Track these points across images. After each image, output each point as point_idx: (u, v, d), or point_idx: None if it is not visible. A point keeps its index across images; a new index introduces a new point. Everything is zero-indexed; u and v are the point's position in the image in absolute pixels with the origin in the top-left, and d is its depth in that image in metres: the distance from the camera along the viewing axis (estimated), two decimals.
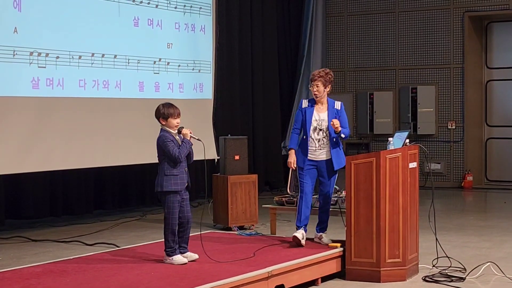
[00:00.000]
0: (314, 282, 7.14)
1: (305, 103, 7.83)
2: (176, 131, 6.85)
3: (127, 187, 12.34)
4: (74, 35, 9.93)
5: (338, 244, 7.57)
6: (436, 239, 7.75)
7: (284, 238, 8.22)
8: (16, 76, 9.25)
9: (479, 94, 16.11)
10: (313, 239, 7.89)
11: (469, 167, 15.68)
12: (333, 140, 7.69)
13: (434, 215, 7.78)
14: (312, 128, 7.70)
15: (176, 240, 6.84)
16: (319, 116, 7.73)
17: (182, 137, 6.85)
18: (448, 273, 7.38)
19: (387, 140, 7.62)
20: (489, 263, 7.56)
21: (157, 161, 6.93)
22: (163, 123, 6.85)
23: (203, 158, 7.23)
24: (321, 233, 7.86)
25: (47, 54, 9.59)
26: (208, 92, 12.19)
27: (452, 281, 7.13)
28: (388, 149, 7.41)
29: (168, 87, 11.38)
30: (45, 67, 9.58)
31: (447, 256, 7.72)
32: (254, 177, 10.42)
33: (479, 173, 16.02)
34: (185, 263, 6.78)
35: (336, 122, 7.52)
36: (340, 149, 7.79)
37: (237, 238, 8.38)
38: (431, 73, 16.00)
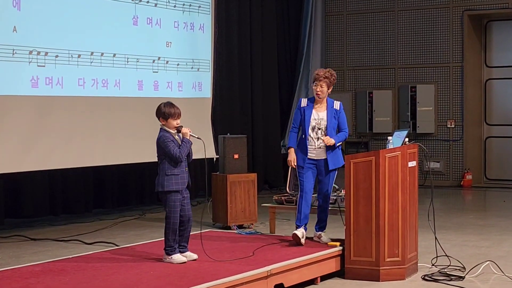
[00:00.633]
0: (313, 281, 7.14)
1: (304, 102, 7.84)
2: (176, 130, 6.85)
3: (126, 186, 12.34)
4: (73, 34, 9.93)
5: (337, 243, 7.57)
6: (436, 238, 7.75)
7: (283, 237, 8.22)
8: (15, 75, 9.25)
9: (479, 93, 16.11)
10: (312, 238, 7.89)
11: (468, 165, 15.68)
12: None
13: (434, 214, 7.78)
14: (311, 127, 7.71)
15: (177, 239, 6.84)
16: (318, 115, 7.73)
17: (182, 136, 6.84)
18: (448, 272, 7.38)
19: (386, 139, 7.61)
20: (488, 262, 7.56)
21: (156, 160, 6.93)
22: (163, 122, 6.85)
23: (202, 157, 7.22)
24: (320, 232, 7.86)
25: (46, 53, 9.58)
26: (207, 91, 12.18)
27: (451, 280, 7.13)
28: (387, 148, 7.41)
29: (167, 86, 11.38)
30: (44, 66, 9.58)
31: (446, 255, 7.72)
32: (254, 176, 10.41)
33: (479, 171, 16.02)
34: (184, 262, 6.78)
35: (327, 140, 7.56)
36: (338, 149, 7.80)
37: (236, 237, 8.38)
38: (430, 72, 16.00)
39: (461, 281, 7.09)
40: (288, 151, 7.88)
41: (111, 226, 10.51)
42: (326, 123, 7.69)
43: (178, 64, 11.55)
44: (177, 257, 6.80)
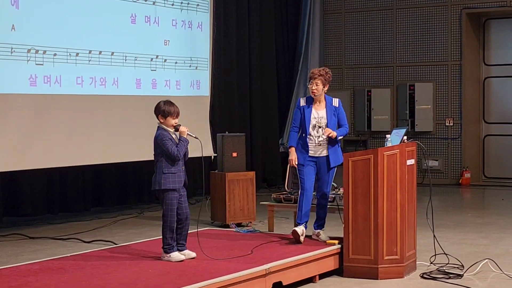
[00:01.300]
0: (312, 279, 7.14)
1: (302, 102, 7.85)
2: (173, 129, 6.84)
3: (124, 185, 12.33)
4: (72, 33, 9.92)
5: (336, 241, 7.57)
6: (434, 236, 7.74)
7: (282, 235, 8.21)
8: (13, 74, 9.24)
9: (477, 91, 16.12)
10: (311, 236, 7.89)
11: (466, 164, 15.69)
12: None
13: (432, 212, 7.78)
14: (311, 126, 7.72)
15: (174, 237, 6.84)
16: (318, 113, 7.74)
17: (179, 135, 6.84)
18: (446, 270, 7.37)
19: (385, 137, 7.61)
20: (486, 260, 7.56)
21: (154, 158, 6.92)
22: (161, 120, 6.84)
23: (200, 156, 7.22)
24: (318, 230, 7.86)
25: (44, 52, 9.58)
26: (205, 89, 12.18)
27: (449, 278, 7.13)
28: (385, 146, 7.41)
29: (165, 84, 11.37)
30: (42, 65, 9.57)
31: (444, 253, 7.72)
32: (252, 174, 10.42)
33: (477, 170, 16.04)
34: (182, 260, 6.77)
35: (328, 131, 7.57)
36: (338, 146, 7.82)
37: (234, 235, 8.37)
38: (428, 70, 16.00)
39: (460, 279, 7.09)
40: (289, 150, 7.88)
41: (109, 225, 10.51)
42: (326, 121, 7.71)
43: (176, 63, 11.55)
44: (175, 255, 6.80)
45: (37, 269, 6.56)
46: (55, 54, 9.71)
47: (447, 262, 7.60)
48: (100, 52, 10.32)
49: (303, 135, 7.76)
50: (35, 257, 7.93)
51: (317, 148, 7.73)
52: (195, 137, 6.91)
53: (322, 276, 7.27)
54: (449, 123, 15.84)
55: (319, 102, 7.79)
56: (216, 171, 10.40)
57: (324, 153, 7.73)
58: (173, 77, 11.51)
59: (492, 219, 11.07)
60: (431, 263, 7.65)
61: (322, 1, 16.82)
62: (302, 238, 7.64)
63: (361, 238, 7.25)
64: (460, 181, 15.59)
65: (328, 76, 7.78)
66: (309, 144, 7.72)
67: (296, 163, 7.78)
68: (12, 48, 9.18)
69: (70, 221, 10.78)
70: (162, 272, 6.38)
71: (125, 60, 10.70)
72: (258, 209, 10.34)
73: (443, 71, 15.86)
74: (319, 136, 7.72)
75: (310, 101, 7.81)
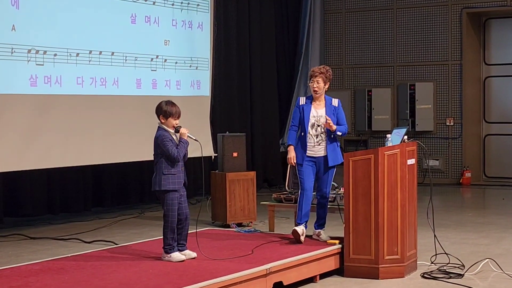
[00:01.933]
0: (312, 279, 7.14)
1: (302, 100, 7.85)
2: (174, 130, 6.83)
3: (125, 185, 12.33)
4: (72, 33, 9.92)
5: (337, 241, 7.56)
6: (435, 235, 7.74)
7: (282, 235, 8.21)
8: (14, 74, 9.24)
9: (477, 90, 16.12)
10: (311, 236, 7.88)
11: (467, 163, 15.69)
12: (331, 136, 7.71)
13: (433, 211, 7.78)
14: (310, 124, 7.72)
15: (175, 237, 6.84)
16: (317, 112, 7.74)
17: (179, 137, 6.83)
18: (447, 270, 7.37)
19: (385, 137, 7.61)
20: (487, 259, 7.56)
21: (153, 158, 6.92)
22: (162, 121, 6.82)
23: (200, 156, 7.21)
24: (319, 230, 7.86)
25: (45, 52, 9.58)
26: (205, 89, 12.18)
27: (450, 277, 7.13)
28: (386, 146, 7.40)
29: (165, 84, 11.37)
30: (43, 65, 9.57)
31: (445, 253, 7.71)
32: (253, 174, 10.41)
33: (478, 169, 16.03)
34: (183, 260, 6.77)
35: (329, 120, 7.56)
36: (337, 146, 7.81)
37: (235, 235, 8.37)
38: (429, 69, 16.00)
39: (460, 279, 7.09)
40: (288, 149, 7.88)
41: (110, 225, 10.50)
42: (325, 120, 7.69)
43: (176, 63, 11.55)
44: (176, 256, 6.80)
45: (37, 269, 6.56)
46: (55, 54, 9.71)
47: (447, 262, 7.60)
48: (100, 52, 10.32)
49: (302, 134, 7.76)
50: (35, 257, 7.93)
51: (316, 148, 7.72)
52: (195, 140, 6.90)
53: (323, 276, 7.27)
54: (450, 123, 15.84)
55: (319, 101, 7.79)
56: (217, 171, 10.40)
57: (323, 153, 7.72)
58: (173, 77, 11.51)
59: (492, 218, 11.07)
60: (432, 262, 7.65)
61: (323, 1, 16.82)
62: (302, 238, 7.64)
63: (361, 238, 7.25)
64: (460, 181, 15.59)
65: (329, 74, 7.79)
66: (308, 143, 7.72)
67: (295, 161, 7.78)
68: (12, 49, 9.18)
69: (71, 221, 10.78)
70: (162, 272, 6.38)
71: (125, 60, 10.70)
72: (258, 209, 10.34)
73: (443, 70, 15.86)
74: (317, 135, 7.71)
75: (310, 100, 7.81)
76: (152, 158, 6.93)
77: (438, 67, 15.91)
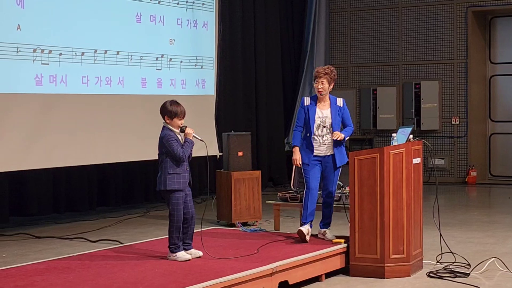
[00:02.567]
0: (318, 278, 7.13)
1: (307, 101, 7.84)
2: (179, 130, 6.83)
3: (130, 184, 12.33)
4: (77, 32, 9.93)
5: (342, 240, 7.55)
6: (440, 234, 7.73)
7: (288, 234, 8.20)
8: (19, 73, 9.25)
9: (483, 89, 16.09)
10: (317, 235, 7.88)
11: (473, 162, 15.66)
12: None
13: (438, 210, 7.77)
14: (315, 125, 7.71)
15: (180, 236, 6.84)
16: (322, 113, 7.74)
17: (184, 136, 6.82)
18: (452, 269, 7.36)
19: (391, 136, 7.60)
20: (493, 258, 7.55)
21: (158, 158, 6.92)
22: (168, 121, 6.81)
23: (205, 155, 7.21)
24: (324, 229, 7.85)
25: (50, 51, 9.59)
26: (210, 88, 12.18)
27: (456, 276, 7.12)
28: (391, 145, 7.39)
29: (171, 83, 11.37)
30: (48, 64, 9.58)
31: (451, 252, 7.70)
32: (258, 173, 10.41)
33: (483, 168, 16.00)
34: (189, 260, 6.77)
35: (337, 135, 7.57)
36: (343, 146, 7.81)
37: (240, 235, 8.37)
38: (434, 68, 15.98)
39: (466, 278, 7.08)
40: (293, 149, 7.87)
41: (115, 224, 10.51)
42: (330, 120, 7.70)
43: (181, 62, 11.55)
44: (182, 255, 6.80)
45: (43, 268, 6.57)
46: (60, 54, 9.72)
47: (453, 261, 7.59)
48: (105, 52, 10.32)
49: (308, 134, 7.76)
50: (41, 256, 7.94)
51: (322, 147, 7.72)
52: (200, 140, 6.89)
53: (328, 275, 7.27)
54: (455, 122, 15.81)
55: (324, 102, 7.79)
56: (222, 170, 10.40)
57: (329, 152, 7.73)
58: (178, 76, 11.51)
59: (498, 217, 11.05)
60: (438, 261, 7.64)
61: (328, 0, 16.80)
62: (308, 237, 7.64)
63: (367, 237, 7.24)
64: (466, 180, 15.56)
65: (334, 75, 7.78)
66: (313, 143, 7.71)
67: (300, 163, 7.77)
68: (18, 48, 9.18)
69: (76, 221, 10.79)
70: (168, 271, 6.38)
71: (131, 59, 10.70)
72: (264, 208, 10.34)
73: (449, 69, 15.83)
74: (323, 136, 7.71)
75: (315, 100, 7.81)
76: (157, 157, 6.93)
77: (443, 65, 15.88)
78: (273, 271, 6.51)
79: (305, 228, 7.65)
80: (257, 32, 14.92)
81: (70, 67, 9.85)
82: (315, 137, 7.72)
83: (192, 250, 6.92)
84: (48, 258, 7.34)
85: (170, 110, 6.79)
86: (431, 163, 14.57)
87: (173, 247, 6.81)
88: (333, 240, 7.64)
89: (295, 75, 16.31)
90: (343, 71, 16.54)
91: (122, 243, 8.44)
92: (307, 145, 7.75)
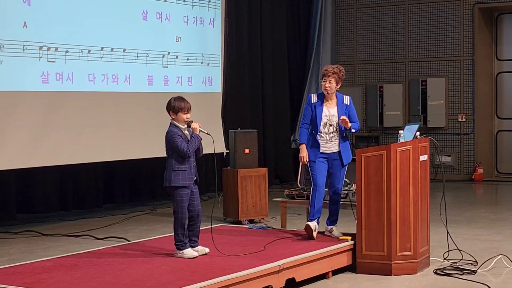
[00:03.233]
0: (325, 276, 7.13)
1: (314, 98, 7.84)
2: (185, 125, 6.83)
3: (137, 181, 12.34)
4: (83, 29, 9.94)
5: (349, 237, 7.55)
6: (447, 232, 7.72)
7: (294, 232, 8.21)
8: (25, 71, 9.26)
9: (490, 86, 16.05)
10: (323, 232, 7.87)
11: (479, 159, 15.63)
12: (343, 134, 7.72)
13: (445, 208, 7.76)
14: (322, 123, 7.71)
15: (186, 233, 6.83)
16: (329, 111, 7.73)
17: (191, 131, 6.82)
18: (460, 266, 7.35)
19: (397, 133, 7.59)
20: (500, 255, 7.54)
21: (166, 155, 6.92)
22: (173, 116, 6.83)
23: (212, 152, 7.22)
24: (331, 226, 7.85)
25: (56, 49, 9.60)
26: (217, 86, 12.18)
27: (463, 274, 7.11)
28: (398, 142, 7.38)
29: (177, 81, 11.37)
30: (54, 62, 9.59)
31: (458, 249, 7.69)
32: (264, 170, 10.41)
33: (490, 165, 15.97)
34: (195, 257, 6.77)
35: (345, 119, 7.56)
36: (348, 143, 7.83)
37: (247, 232, 8.37)
38: (441, 65, 15.94)
39: (473, 275, 7.06)
40: (300, 147, 7.87)
41: (122, 221, 10.52)
42: (337, 119, 7.70)
43: (188, 59, 11.55)
44: (189, 252, 6.80)
45: (50, 266, 6.58)
46: (67, 51, 9.73)
47: (460, 258, 7.58)
48: (112, 49, 10.33)
49: (313, 132, 7.75)
50: (48, 254, 7.95)
51: (328, 144, 7.72)
52: (207, 133, 6.90)
53: (335, 272, 7.26)
54: (462, 119, 15.78)
55: (331, 100, 7.79)
56: (229, 167, 10.40)
57: (336, 149, 7.73)
58: (184, 73, 11.52)
59: (505, 215, 11.03)
60: (445, 259, 7.63)
61: None
62: (314, 234, 7.63)
63: (374, 234, 7.23)
64: (473, 177, 15.54)
65: (342, 74, 7.78)
66: (320, 141, 7.71)
67: (307, 160, 7.77)
68: (24, 45, 9.20)
69: (83, 218, 10.80)
70: (175, 268, 6.38)
71: (137, 56, 10.71)
72: (270, 205, 10.34)
73: (455, 66, 15.80)
74: (329, 134, 7.71)
75: (322, 98, 7.80)
76: (164, 155, 6.94)
77: (450, 62, 15.85)
78: (280, 268, 6.51)
79: (312, 225, 7.65)
80: (263, 30, 14.91)
81: (77, 64, 9.86)
82: (322, 135, 7.72)
83: (199, 247, 6.92)
84: (55, 255, 7.35)
85: (173, 105, 6.80)
86: (437, 160, 14.54)
87: (179, 244, 6.81)
88: (340, 237, 7.64)
89: (301, 73, 16.29)
90: (349, 68, 16.51)
91: (129, 241, 8.45)
92: (314, 142, 7.75)
